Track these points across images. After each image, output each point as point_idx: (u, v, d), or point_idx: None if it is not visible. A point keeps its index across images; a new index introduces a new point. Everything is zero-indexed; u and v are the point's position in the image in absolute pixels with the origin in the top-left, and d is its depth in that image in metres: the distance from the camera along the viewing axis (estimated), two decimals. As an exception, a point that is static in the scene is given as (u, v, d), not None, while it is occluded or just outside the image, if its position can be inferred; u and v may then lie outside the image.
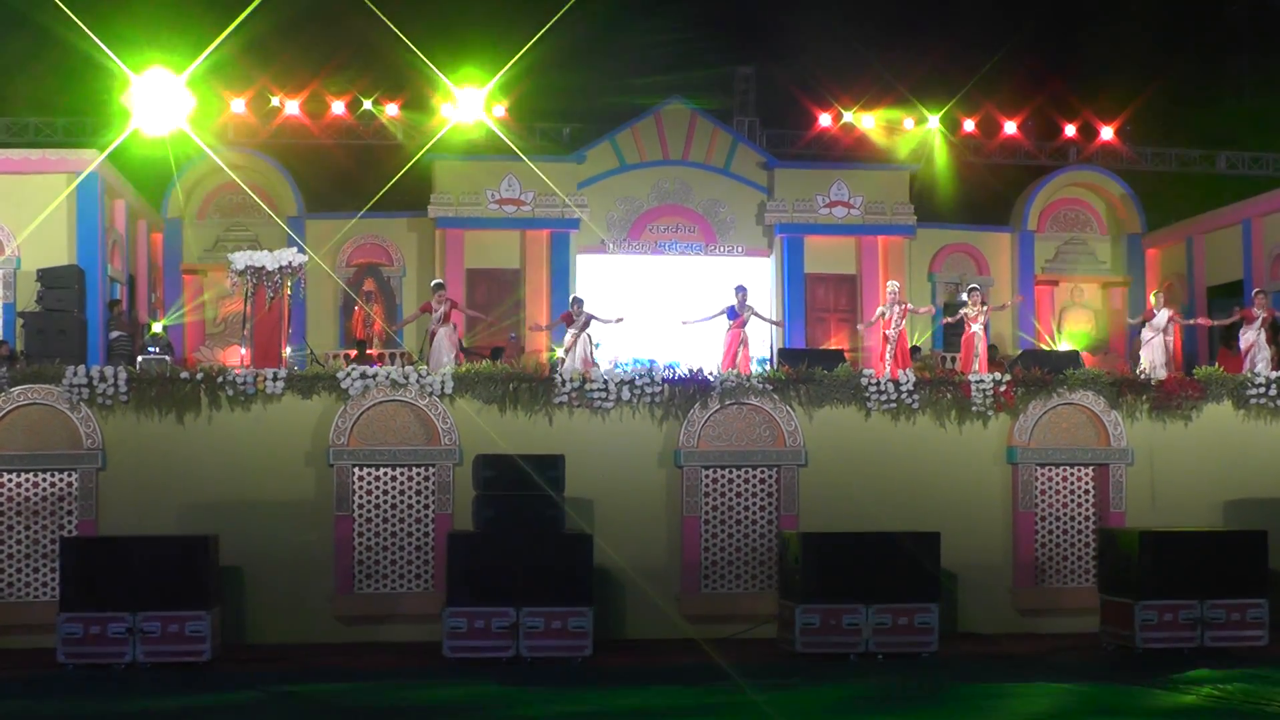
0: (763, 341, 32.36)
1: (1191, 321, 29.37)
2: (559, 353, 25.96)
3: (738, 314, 26.07)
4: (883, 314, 26.16)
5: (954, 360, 30.18)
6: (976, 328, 26.00)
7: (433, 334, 25.38)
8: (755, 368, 25.74)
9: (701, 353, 29.72)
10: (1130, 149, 40.48)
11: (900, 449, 23.22)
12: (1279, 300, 31.83)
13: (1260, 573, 21.15)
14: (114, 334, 28.14)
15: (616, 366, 26.16)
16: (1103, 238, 38.02)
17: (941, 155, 39.44)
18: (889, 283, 28.34)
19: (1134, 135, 40.98)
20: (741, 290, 26.46)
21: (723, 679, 18.61)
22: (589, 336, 25.98)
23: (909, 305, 26.85)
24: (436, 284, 26.77)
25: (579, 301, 26.20)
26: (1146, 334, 26.68)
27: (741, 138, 36.99)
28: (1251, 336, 26.06)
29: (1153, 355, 26.32)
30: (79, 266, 27.03)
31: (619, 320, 27.05)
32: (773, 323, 31.88)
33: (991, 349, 28.55)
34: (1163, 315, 26.63)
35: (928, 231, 36.82)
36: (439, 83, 38.37)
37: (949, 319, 28.12)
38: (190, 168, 35.13)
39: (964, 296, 27.42)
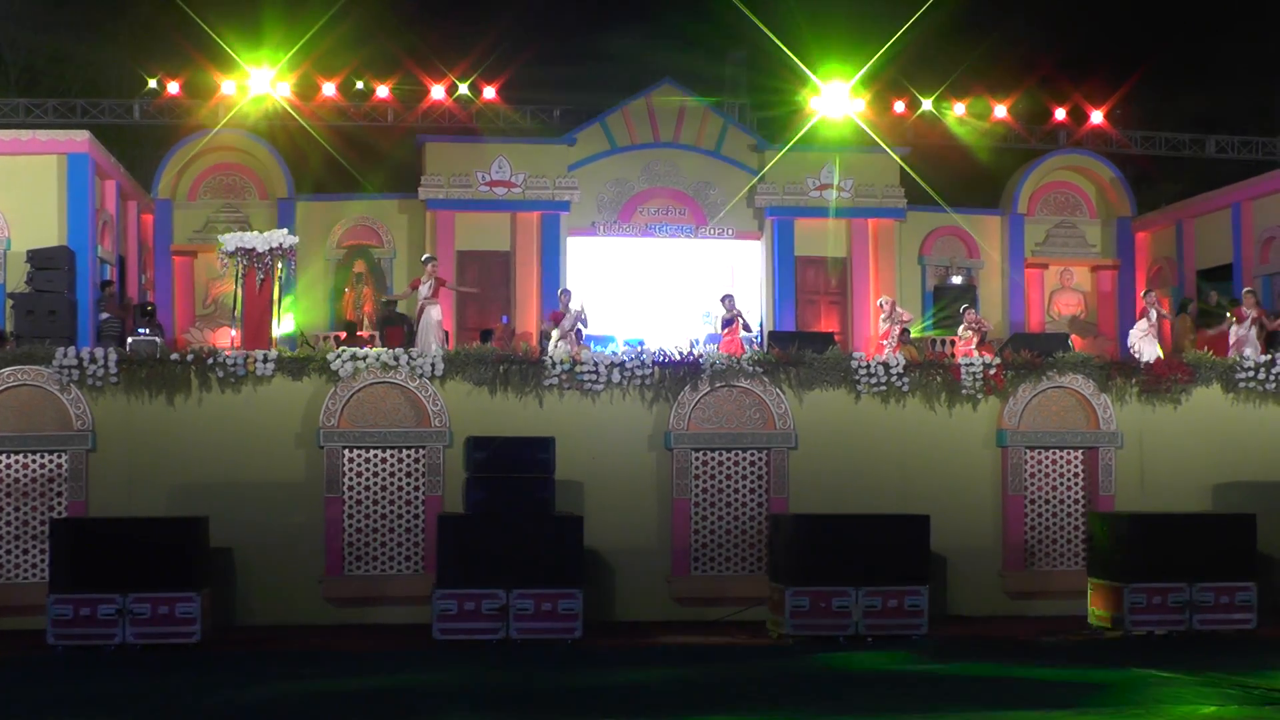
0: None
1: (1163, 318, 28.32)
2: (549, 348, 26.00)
3: (730, 323, 26.36)
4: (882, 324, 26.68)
5: (944, 344, 30.26)
6: (971, 345, 26.22)
7: (421, 310, 25.32)
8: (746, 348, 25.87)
9: (690, 334, 29.90)
10: (1120, 133, 40.45)
11: (890, 432, 23.27)
12: (1268, 285, 31.88)
13: (1248, 556, 21.22)
14: (103, 315, 28.09)
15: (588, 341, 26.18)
16: (1092, 221, 38.01)
17: (932, 138, 39.45)
18: (880, 299, 28.59)
19: (1124, 119, 40.97)
20: (729, 298, 26.72)
21: (712, 661, 18.65)
22: (575, 335, 26.03)
23: (906, 317, 27.25)
24: (426, 258, 26.65)
25: (567, 294, 26.23)
26: (1136, 334, 26.59)
27: (732, 120, 36.94)
28: (1241, 333, 26.10)
29: (1146, 353, 26.20)
30: (69, 247, 26.96)
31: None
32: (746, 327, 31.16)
33: (982, 334, 28.62)
34: (1151, 315, 26.54)
35: (918, 214, 36.78)
36: (430, 64, 38.39)
37: (951, 337, 28.28)
38: (181, 148, 35.09)
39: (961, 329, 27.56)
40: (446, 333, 26.86)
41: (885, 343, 26.95)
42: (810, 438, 22.98)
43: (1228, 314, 27.34)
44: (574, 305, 26.37)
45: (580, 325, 26.39)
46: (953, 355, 26.61)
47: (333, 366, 22.17)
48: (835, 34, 41.15)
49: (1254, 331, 26.16)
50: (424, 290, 25.15)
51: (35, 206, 28.11)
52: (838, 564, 20.37)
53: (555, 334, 26.05)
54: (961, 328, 26.86)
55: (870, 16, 41.92)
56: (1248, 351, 25.55)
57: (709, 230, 35.97)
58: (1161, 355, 25.86)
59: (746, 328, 26.85)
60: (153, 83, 37.15)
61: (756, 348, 26.39)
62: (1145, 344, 26.23)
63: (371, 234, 35.79)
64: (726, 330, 26.48)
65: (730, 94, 38.97)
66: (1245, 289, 28.28)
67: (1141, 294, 27.81)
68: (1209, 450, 23.71)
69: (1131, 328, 27.22)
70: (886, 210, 36.02)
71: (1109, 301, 37.20)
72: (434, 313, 25.07)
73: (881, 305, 28.75)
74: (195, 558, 19.87)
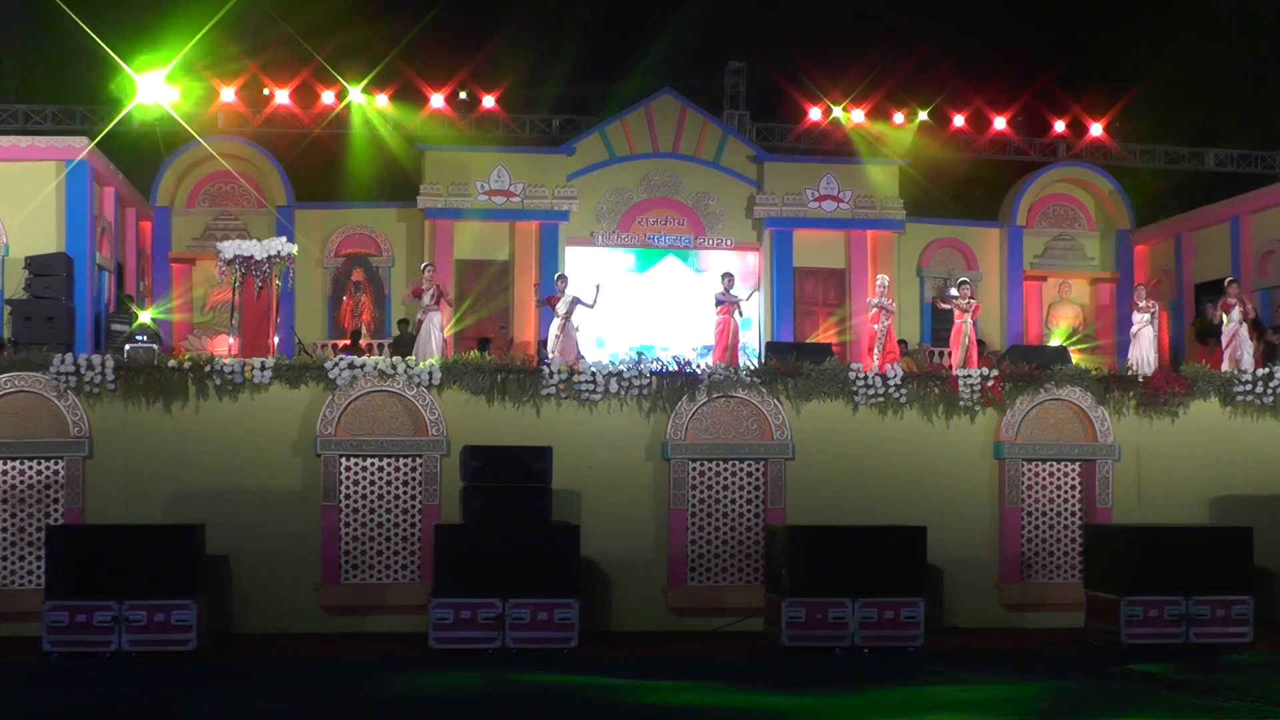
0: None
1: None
2: (548, 342, 25.99)
3: (722, 301, 26.24)
4: (871, 304, 26.49)
5: (942, 355, 30.22)
6: (966, 320, 26.16)
7: (420, 322, 25.34)
8: (742, 359, 25.80)
9: (692, 341, 29.88)
10: (1119, 145, 40.52)
11: (887, 443, 23.24)
12: (1267, 299, 31.88)
13: (1245, 569, 21.19)
14: (115, 326, 28.05)
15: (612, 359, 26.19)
16: (1091, 234, 38.08)
17: (931, 150, 39.49)
18: (878, 277, 28.49)
19: (1123, 132, 41.04)
20: (728, 276, 26.63)
21: (707, 672, 18.63)
22: (573, 325, 26.02)
23: (893, 304, 27.14)
24: (425, 266, 26.56)
25: (565, 279, 26.29)
26: (1133, 327, 26.61)
27: (731, 131, 36.99)
28: (1233, 327, 25.96)
29: (1140, 350, 26.21)
30: (67, 254, 26.99)
31: (598, 289, 26.90)
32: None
33: (980, 344, 28.59)
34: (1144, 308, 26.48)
35: (917, 226, 36.85)
36: (429, 72, 38.44)
37: (942, 303, 28.00)
38: (180, 156, 35.14)
39: (954, 291, 27.49)
40: (446, 340, 26.86)
41: (875, 327, 26.61)
42: (807, 449, 22.96)
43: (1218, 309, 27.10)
44: (570, 290, 26.29)
45: (581, 305, 26.22)
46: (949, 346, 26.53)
47: (330, 375, 22.16)
48: (834, 45, 41.20)
49: (1244, 328, 26.01)
50: (426, 299, 25.17)
51: (34, 213, 28.15)
52: (834, 575, 20.34)
53: (555, 322, 25.90)
54: (958, 300, 26.63)
55: (868, 29, 42.00)
56: (1243, 357, 25.47)
57: (708, 241, 36.01)
58: (1137, 358, 25.83)
59: (740, 310, 26.63)
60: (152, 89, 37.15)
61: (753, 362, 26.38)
62: (1133, 345, 26.21)
63: (370, 242, 35.84)
64: (720, 308, 26.36)
65: (730, 105, 39.01)
66: (1229, 279, 27.97)
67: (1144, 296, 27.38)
68: (1206, 463, 23.69)
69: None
70: (885, 221, 36.07)
71: (1107, 314, 37.21)
72: (436, 320, 25.09)
73: (881, 285, 27.90)
74: (192, 565, 19.83)
